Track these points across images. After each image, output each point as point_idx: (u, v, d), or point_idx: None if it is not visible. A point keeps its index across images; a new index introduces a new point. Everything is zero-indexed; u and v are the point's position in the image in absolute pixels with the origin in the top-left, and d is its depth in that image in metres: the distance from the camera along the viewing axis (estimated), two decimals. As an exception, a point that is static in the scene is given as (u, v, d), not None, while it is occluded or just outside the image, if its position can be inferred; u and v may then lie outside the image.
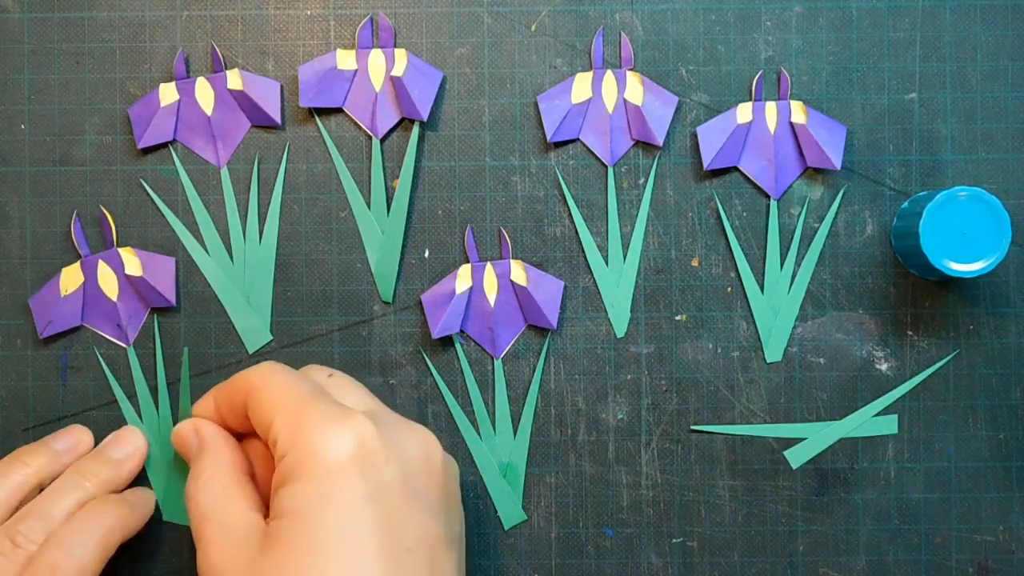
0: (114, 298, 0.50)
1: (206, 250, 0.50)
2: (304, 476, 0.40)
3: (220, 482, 0.43)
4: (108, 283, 0.50)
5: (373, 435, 0.40)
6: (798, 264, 0.50)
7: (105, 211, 0.50)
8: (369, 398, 0.45)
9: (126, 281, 0.50)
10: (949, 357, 0.51)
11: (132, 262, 0.50)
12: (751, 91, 0.51)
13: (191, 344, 0.50)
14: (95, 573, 0.44)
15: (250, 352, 0.50)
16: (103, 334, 0.50)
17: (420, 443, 0.43)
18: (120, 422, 0.50)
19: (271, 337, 0.50)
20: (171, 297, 0.50)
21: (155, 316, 0.50)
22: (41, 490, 0.46)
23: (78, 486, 0.46)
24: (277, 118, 0.50)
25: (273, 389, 0.43)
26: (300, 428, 0.41)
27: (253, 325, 0.50)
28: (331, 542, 0.39)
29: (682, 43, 0.51)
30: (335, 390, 0.45)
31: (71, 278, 0.50)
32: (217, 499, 0.43)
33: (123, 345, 0.50)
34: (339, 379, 0.46)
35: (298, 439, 0.40)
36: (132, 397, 0.50)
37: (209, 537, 0.42)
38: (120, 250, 0.50)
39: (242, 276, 0.50)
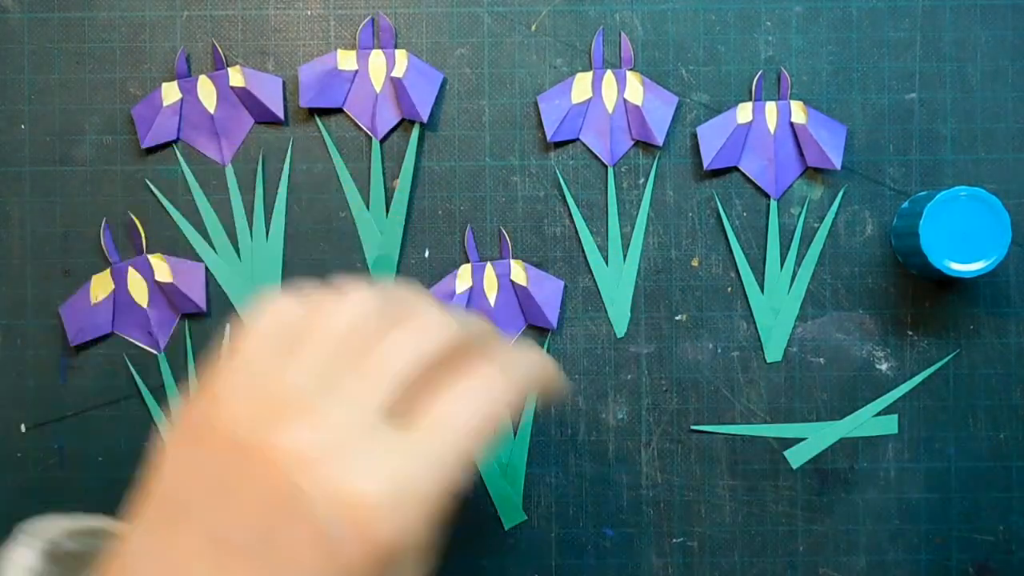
0: (144, 305, 0.50)
1: (214, 249, 0.50)
2: None
3: None
4: (138, 290, 0.50)
5: None
6: (798, 264, 0.50)
7: (135, 217, 0.50)
8: None
9: (156, 288, 0.50)
10: (949, 357, 0.51)
11: (162, 268, 0.50)
12: (751, 91, 0.51)
13: (203, 345, 0.50)
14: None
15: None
16: (134, 341, 0.50)
17: None
18: (120, 422, 0.50)
19: None
20: (202, 303, 0.50)
21: (186, 322, 0.50)
22: None
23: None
24: (280, 113, 0.50)
25: None
26: None
27: None
28: None
29: (682, 43, 0.51)
30: None
31: (101, 285, 0.50)
32: None
33: (154, 352, 0.50)
34: None
35: None
36: (162, 401, 0.50)
37: None
38: (150, 257, 0.50)
39: (251, 273, 0.50)
